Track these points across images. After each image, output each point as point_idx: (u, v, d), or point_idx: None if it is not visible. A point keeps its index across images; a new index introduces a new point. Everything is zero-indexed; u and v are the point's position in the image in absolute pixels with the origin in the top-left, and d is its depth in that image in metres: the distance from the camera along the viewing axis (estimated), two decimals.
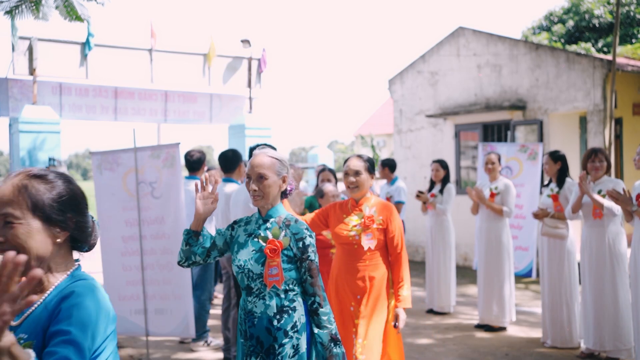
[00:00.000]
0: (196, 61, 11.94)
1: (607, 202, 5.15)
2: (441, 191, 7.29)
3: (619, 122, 10.24)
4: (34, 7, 5.54)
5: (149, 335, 5.35)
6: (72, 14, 5.48)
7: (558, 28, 19.69)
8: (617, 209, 5.13)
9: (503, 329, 6.51)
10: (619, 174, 10.23)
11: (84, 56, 10.61)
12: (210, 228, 6.13)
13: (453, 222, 7.63)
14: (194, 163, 6.01)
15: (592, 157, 5.39)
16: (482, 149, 8.20)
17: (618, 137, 10.33)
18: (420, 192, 7.31)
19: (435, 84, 11.41)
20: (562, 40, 19.17)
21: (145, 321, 5.30)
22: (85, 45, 10.49)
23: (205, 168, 6.35)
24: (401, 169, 11.50)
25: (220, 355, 5.70)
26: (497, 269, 6.50)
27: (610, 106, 8.96)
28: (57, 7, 5.55)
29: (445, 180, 7.32)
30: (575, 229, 5.91)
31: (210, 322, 6.56)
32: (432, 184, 7.45)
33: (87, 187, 5.72)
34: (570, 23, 19.60)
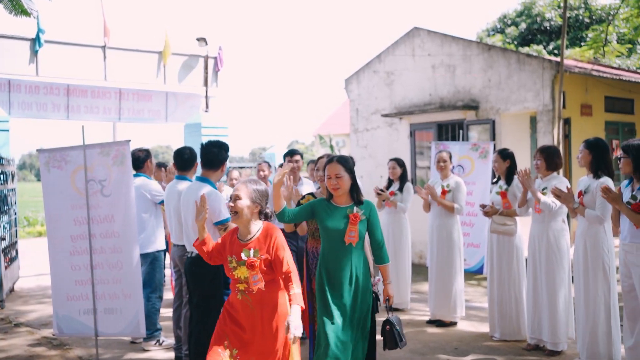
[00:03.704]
0: (151, 59, 11.80)
1: (544, 198, 5.31)
2: (400, 189, 7.36)
3: (567, 122, 10.54)
4: None
5: (98, 335, 5.27)
6: (17, 7, 5.34)
7: (511, 30, 20.14)
8: (553, 205, 5.29)
9: (454, 324, 6.63)
10: (568, 173, 10.53)
11: (34, 52, 10.37)
12: (158, 228, 6.08)
13: (409, 221, 7.71)
14: (134, 161, 5.96)
15: (534, 155, 5.59)
16: (435, 147, 8.34)
17: (567, 136, 10.63)
18: (381, 190, 7.36)
19: (391, 84, 11.54)
20: (516, 43, 19.62)
21: (95, 321, 5.22)
22: (35, 41, 10.25)
23: (153, 166, 6.33)
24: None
25: (172, 354, 5.65)
26: (448, 265, 6.62)
27: (558, 107, 9.23)
28: (1, 1, 5.41)
29: (403, 178, 7.39)
30: (523, 225, 6.06)
31: (163, 322, 6.49)
32: (390, 182, 7.53)
33: (41, 188, 5.60)
34: (523, 26, 20.07)
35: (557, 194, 4.97)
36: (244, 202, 3.58)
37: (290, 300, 3.58)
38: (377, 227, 4.13)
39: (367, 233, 4.12)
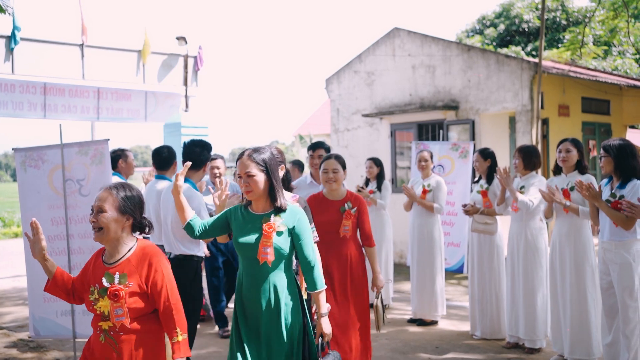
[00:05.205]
0: (130, 58, 11.67)
1: (521, 197, 5.37)
2: (379, 188, 7.40)
3: (545, 122, 10.65)
4: None
5: (76, 337, 5.20)
6: None
7: (490, 31, 20.33)
8: (530, 204, 5.34)
9: (435, 322, 6.66)
10: (546, 172, 10.64)
11: (10, 50, 10.19)
12: None
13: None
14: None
15: (513, 155, 5.66)
16: (415, 147, 8.37)
17: (545, 136, 10.75)
18: (361, 187, 7.39)
19: (372, 84, 11.56)
20: (494, 44, 19.80)
21: (73, 323, 5.15)
22: (11, 38, 10.07)
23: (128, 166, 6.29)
24: None
25: None
26: (429, 264, 6.65)
27: (537, 107, 9.33)
28: None
29: (380, 177, 7.43)
30: (503, 225, 6.11)
31: None
32: (367, 181, 7.57)
33: (17, 188, 5.50)
34: (502, 27, 20.26)
35: (552, 193, 5.01)
36: (110, 215, 2.74)
37: (173, 352, 2.74)
38: (305, 242, 3.13)
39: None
